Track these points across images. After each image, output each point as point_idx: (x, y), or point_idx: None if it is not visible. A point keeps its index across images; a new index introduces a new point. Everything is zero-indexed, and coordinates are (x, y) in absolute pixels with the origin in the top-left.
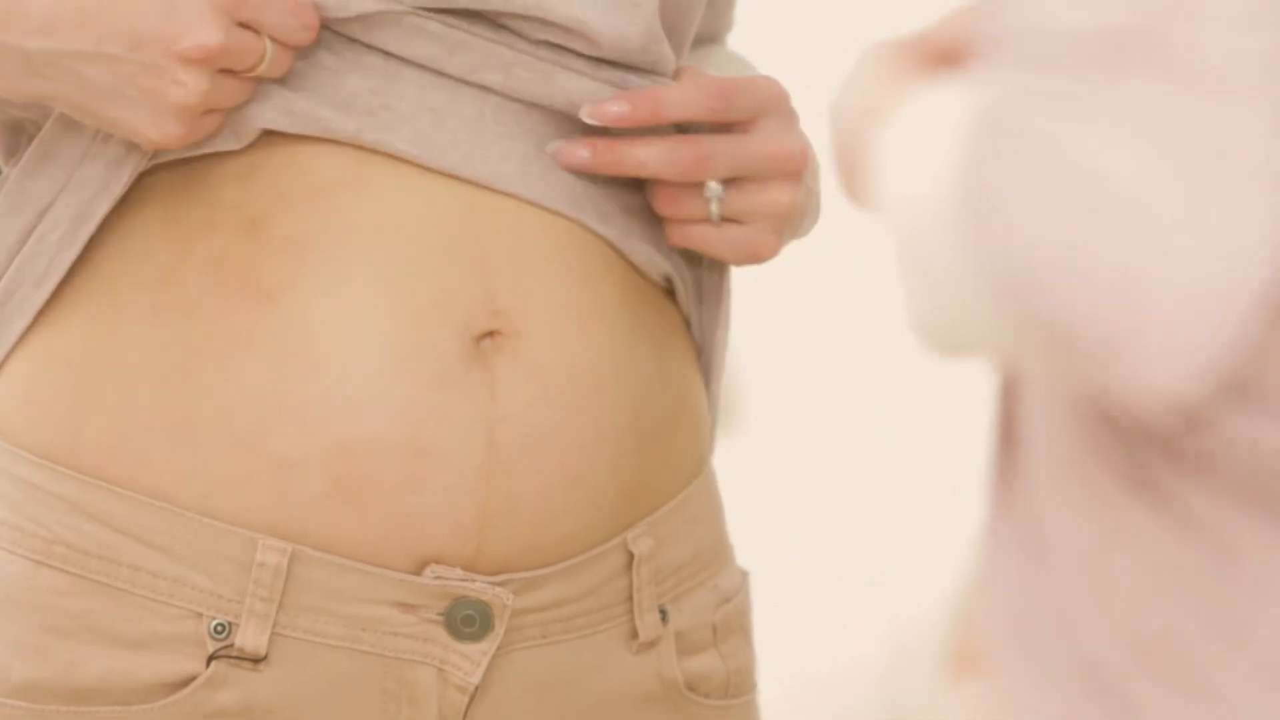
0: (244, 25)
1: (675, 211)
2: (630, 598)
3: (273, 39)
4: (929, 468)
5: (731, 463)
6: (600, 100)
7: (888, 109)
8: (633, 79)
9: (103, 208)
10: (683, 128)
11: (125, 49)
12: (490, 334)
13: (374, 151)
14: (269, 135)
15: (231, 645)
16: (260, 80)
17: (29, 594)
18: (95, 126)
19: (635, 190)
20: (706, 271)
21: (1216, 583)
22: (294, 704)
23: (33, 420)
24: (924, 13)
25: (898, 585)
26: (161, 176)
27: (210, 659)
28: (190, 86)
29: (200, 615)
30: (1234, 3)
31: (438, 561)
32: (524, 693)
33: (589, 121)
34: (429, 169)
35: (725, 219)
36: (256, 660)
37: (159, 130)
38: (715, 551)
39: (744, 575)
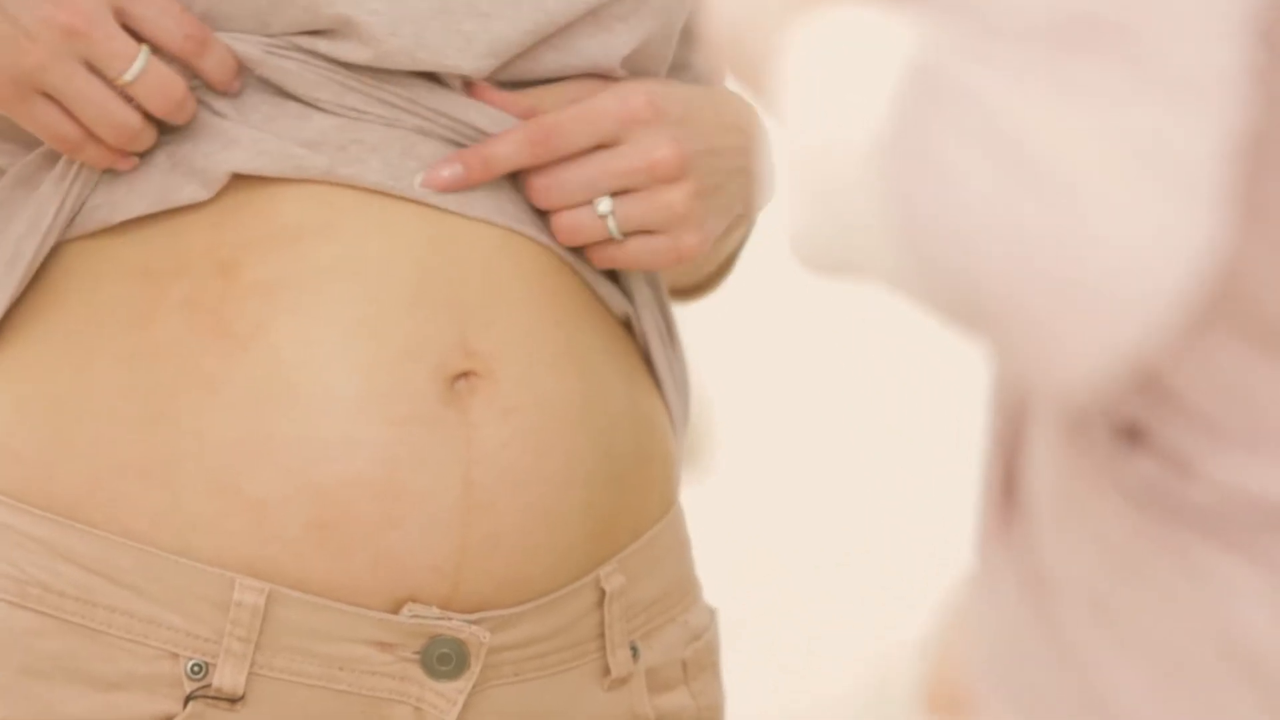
0: (126, 27)
1: (574, 238)
2: (602, 634)
3: (153, 46)
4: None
5: (702, 500)
6: (432, 168)
7: (800, 11)
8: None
9: (30, 246)
10: None
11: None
12: (464, 375)
13: (346, 189)
14: (239, 179)
15: (209, 685)
16: (123, 96)
17: (4, 636)
18: None
19: None
20: (663, 310)
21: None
22: None
23: (6, 462)
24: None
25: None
26: (132, 222)
27: (188, 699)
28: (38, 55)
29: (177, 655)
30: (1209, 11)
31: (414, 600)
32: None
33: (426, 190)
34: (400, 199)
35: (631, 233)
36: (234, 700)
37: None
38: (684, 588)
39: (712, 612)
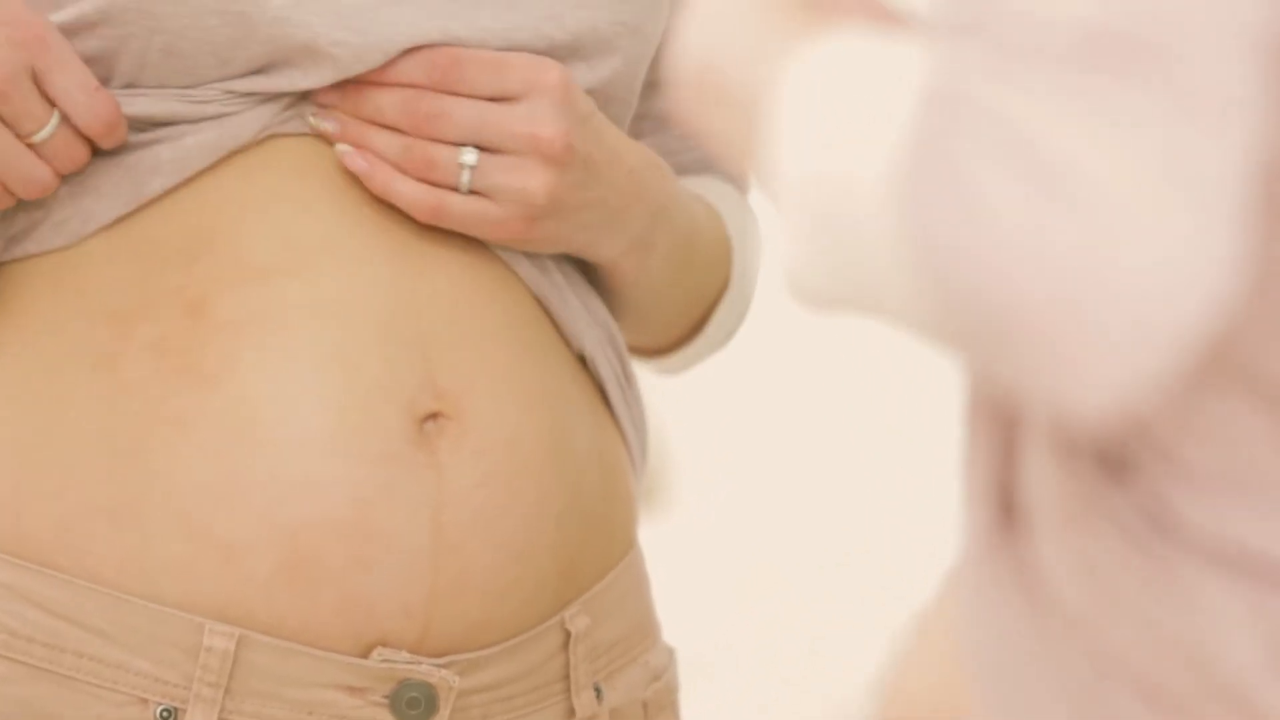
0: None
1: (426, 172)
2: (567, 676)
3: (62, 112)
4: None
5: (660, 540)
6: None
7: (789, 48)
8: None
9: None
10: None
11: None
12: (433, 416)
13: (315, 227)
14: (208, 219)
15: None
16: (36, 154)
17: None
18: None
19: (570, 261)
20: (617, 349)
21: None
22: None
23: None
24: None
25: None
26: (99, 260)
27: None
28: None
29: (146, 701)
30: (1225, 31)
31: (384, 643)
32: None
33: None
34: (367, 242)
35: (475, 192)
36: None
37: None
38: (644, 629)
39: (671, 652)
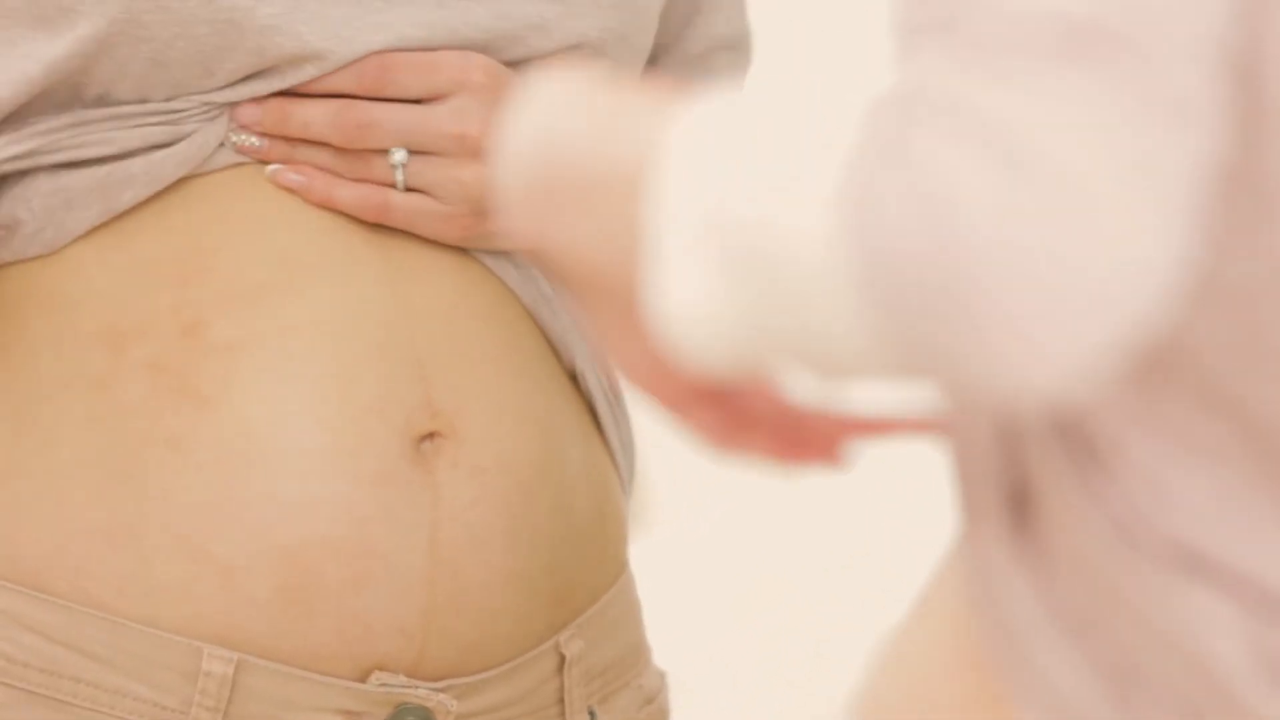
0: None
1: (362, 175)
2: (562, 699)
3: None
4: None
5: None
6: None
7: (647, 119)
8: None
9: None
10: None
11: None
12: (430, 435)
13: (309, 246)
14: (202, 237)
15: None
16: None
17: None
18: None
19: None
20: (608, 370)
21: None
22: None
23: None
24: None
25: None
26: (92, 278)
27: None
28: None
29: None
30: (1190, 32)
31: (381, 666)
32: None
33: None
34: (365, 261)
35: (413, 190)
36: None
37: None
38: (637, 652)
39: (662, 675)
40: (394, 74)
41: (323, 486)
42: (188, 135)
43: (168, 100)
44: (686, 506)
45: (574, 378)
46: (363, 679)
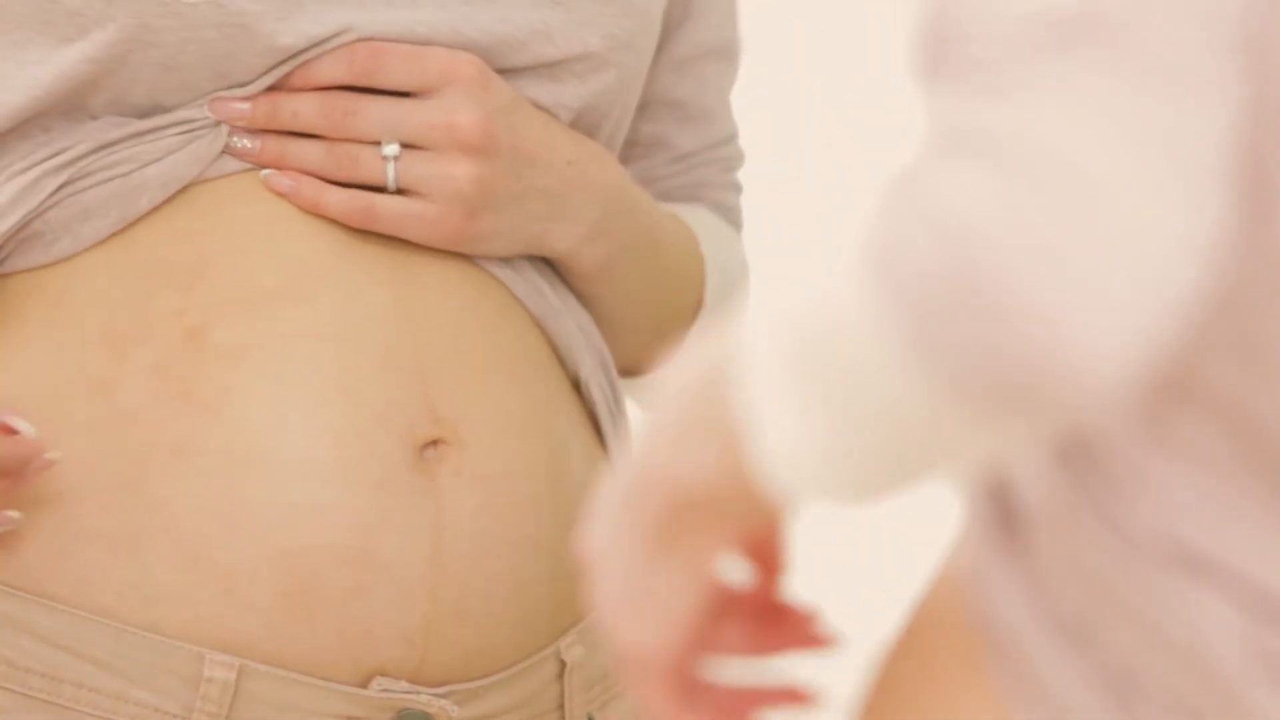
0: None
1: (352, 171)
2: (562, 705)
3: None
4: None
5: None
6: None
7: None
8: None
9: None
10: None
11: None
12: (434, 443)
13: (313, 253)
14: (206, 242)
15: None
16: None
17: None
18: None
19: (561, 281)
20: (609, 378)
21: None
22: None
23: None
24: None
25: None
26: (97, 281)
27: None
28: None
29: None
30: (1190, 11)
31: (383, 673)
32: None
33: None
34: (370, 263)
35: (404, 190)
36: None
37: None
38: None
39: None
40: (383, 60)
41: (325, 493)
42: (200, 139)
43: (178, 106)
44: None
45: (577, 387)
46: (364, 684)
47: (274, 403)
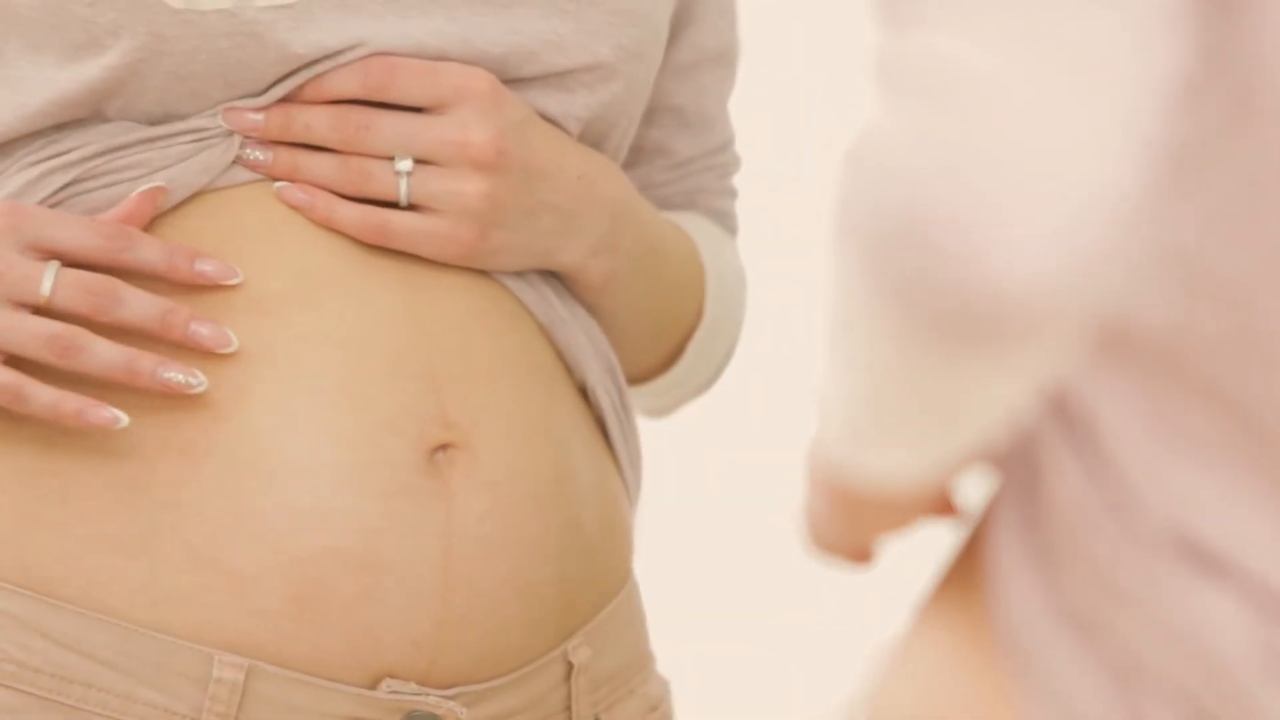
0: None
1: (364, 185)
2: (569, 707)
3: (66, 259)
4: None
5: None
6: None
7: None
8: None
9: None
10: None
11: None
12: (444, 447)
13: (325, 258)
14: (218, 247)
15: None
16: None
17: None
18: None
19: (568, 290)
20: (617, 383)
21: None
22: None
23: None
24: None
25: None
26: None
27: None
28: None
29: None
30: None
31: (392, 675)
32: None
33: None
34: (380, 270)
35: (416, 205)
36: None
37: None
38: (641, 660)
39: (665, 683)
40: (397, 75)
41: (335, 497)
42: (212, 148)
43: (191, 115)
44: (690, 514)
45: (584, 393)
46: (373, 686)
47: (284, 407)
